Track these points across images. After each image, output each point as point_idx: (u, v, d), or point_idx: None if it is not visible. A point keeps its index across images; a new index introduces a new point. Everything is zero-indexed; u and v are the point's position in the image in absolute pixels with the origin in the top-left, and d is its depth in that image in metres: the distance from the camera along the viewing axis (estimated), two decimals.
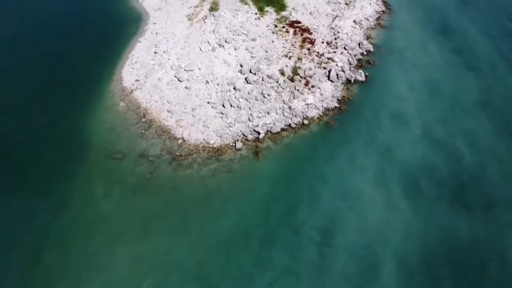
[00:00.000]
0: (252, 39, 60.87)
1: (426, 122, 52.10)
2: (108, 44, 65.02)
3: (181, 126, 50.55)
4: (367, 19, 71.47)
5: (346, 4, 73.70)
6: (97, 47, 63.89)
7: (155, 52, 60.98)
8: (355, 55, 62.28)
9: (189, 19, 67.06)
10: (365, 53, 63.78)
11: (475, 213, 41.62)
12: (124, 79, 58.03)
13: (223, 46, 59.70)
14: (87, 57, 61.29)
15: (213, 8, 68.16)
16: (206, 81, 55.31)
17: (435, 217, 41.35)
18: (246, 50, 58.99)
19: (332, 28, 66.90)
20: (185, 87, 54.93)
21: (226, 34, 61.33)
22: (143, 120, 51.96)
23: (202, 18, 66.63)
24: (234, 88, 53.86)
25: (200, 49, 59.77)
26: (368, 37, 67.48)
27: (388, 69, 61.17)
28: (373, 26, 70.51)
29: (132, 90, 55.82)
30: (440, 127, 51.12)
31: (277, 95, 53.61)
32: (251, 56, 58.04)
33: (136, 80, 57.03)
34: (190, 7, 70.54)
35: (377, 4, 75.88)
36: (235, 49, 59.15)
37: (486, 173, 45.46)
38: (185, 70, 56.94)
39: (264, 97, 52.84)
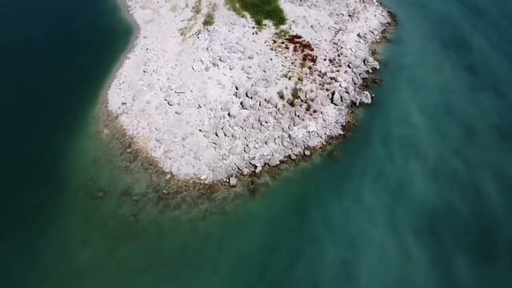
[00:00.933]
0: (249, 57, 54.44)
1: (440, 152, 45.90)
2: (95, 61, 58.65)
3: (169, 158, 44.40)
4: (372, 32, 64.89)
5: (350, 16, 67.09)
6: (84, 64, 57.61)
7: (144, 71, 54.55)
8: (360, 74, 55.82)
9: (181, 34, 60.57)
10: (370, 71, 57.37)
11: (502, 266, 35.37)
12: (110, 102, 51.71)
13: (217, 65, 53.29)
14: (71, 75, 55.10)
15: (208, 21, 61.67)
16: (198, 105, 49.01)
17: (455, 271, 35.31)
18: (242, 70, 52.58)
19: (335, 43, 60.38)
20: (176, 112, 48.66)
21: (221, 51, 54.89)
22: (128, 150, 45.76)
23: (196, 33, 60.19)
24: (229, 114, 47.61)
25: (193, 68, 53.39)
26: (373, 53, 60.96)
27: (396, 89, 54.81)
28: (378, 40, 63.96)
29: (118, 115, 49.57)
30: (457, 158, 44.96)
31: (276, 122, 47.30)
32: (248, 77, 51.67)
33: (123, 103, 50.72)
34: (183, 20, 63.98)
35: (382, 15, 69.28)
36: (230, 69, 52.74)
37: None
38: (175, 93, 50.61)
39: (261, 124, 46.55)
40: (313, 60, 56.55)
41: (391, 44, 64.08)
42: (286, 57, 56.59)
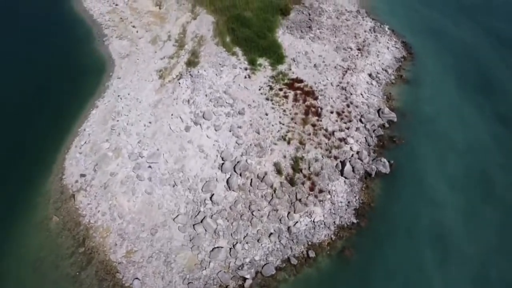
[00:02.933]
0: (239, 113, 41.21)
1: (481, 251, 33.31)
2: (56, 109, 45.91)
3: (133, 263, 31.12)
4: (386, 71, 51.44)
5: (359, 49, 53.43)
6: (41, 114, 45.03)
7: (112, 128, 41.80)
8: (374, 130, 42.70)
9: (160, 77, 47.21)
10: (386, 124, 44.05)
11: None
12: (66, 172, 38.93)
13: (200, 124, 40.24)
14: (23, 131, 42.21)
15: (192, 61, 48.19)
16: (174, 182, 36.02)
17: None
18: (230, 131, 39.63)
19: (343, 87, 47.00)
20: (145, 191, 35.78)
21: (205, 104, 41.67)
22: (81, 250, 33.37)
23: (177, 76, 46.80)
24: (211, 199, 34.73)
25: (170, 127, 40.17)
26: (388, 98, 47.70)
27: (418, 151, 42.05)
28: (393, 81, 50.59)
29: (73, 193, 36.65)
30: (504, 260, 31.68)
31: (271, 209, 34.34)
32: (237, 142, 38.67)
33: (82, 175, 37.88)
34: (164, 57, 50.47)
35: (396, 48, 55.61)
36: (215, 129, 39.64)
37: None
38: (147, 163, 37.66)
39: (252, 214, 33.67)
40: (318, 113, 43.23)
41: (408, 86, 50.74)
42: (284, 110, 43.25)
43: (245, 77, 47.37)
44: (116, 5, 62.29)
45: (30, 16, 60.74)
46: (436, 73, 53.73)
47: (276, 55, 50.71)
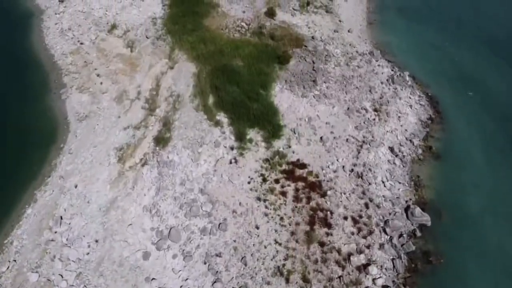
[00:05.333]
0: (220, 227, 27.19)
1: None
2: None
3: None
4: (411, 141, 36.96)
5: (376, 111, 38.85)
6: None
7: (46, 245, 27.57)
8: (403, 245, 28.43)
9: (119, 159, 32.95)
10: (418, 232, 29.61)
11: None
12: None
13: (164, 250, 25.60)
14: None
15: (162, 138, 33.76)
16: None
17: None
18: (205, 263, 24.95)
19: (358, 174, 33.00)
20: None
21: (173, 215, 27.71)
22: None
23: (141, 161, 32.17)
24: None
25: (122, 254, 25.13)
26: (417, 185, 33.50)
27: (464, 277, 26.74)
28: (421, 156, 36.25)
29: None
30: None
31: None
32: (213, 286, 23.34)
33: None
34: (128, 126, 36.35)
35: (421, 105, 41.04)
36: (185, 259, 25.37)
37: None
38: None
39: None
40: (327, 221, 29.06)
41: (441, 164, 36.35)
42: (282, 218, 29.00)
43: (231, 162, 32.58)
44: (82, 43, 47.14)
45: None
46: (472, 140, 39.14)
47: (271, 126, 35.89)
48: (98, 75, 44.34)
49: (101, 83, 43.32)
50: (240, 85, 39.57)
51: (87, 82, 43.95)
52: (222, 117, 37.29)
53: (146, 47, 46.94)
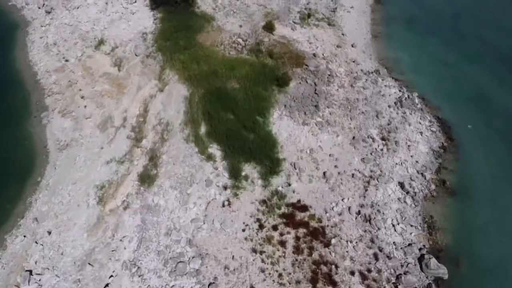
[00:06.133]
0: (209, 287, 21.40)
1: None
2: None
3: None
4: (422, 175, 32.77)
5: (384, 140, 34.38)
6: None
7: None
8: None
9: (100, 200, 29.01)
10: (434, 287, 24.53)
11: None
12: None
13: None
14: None
15: (147, 176, 29.46)
16: None
17: None
18: None
19: (366, 218, 28.81)
20: None
21: (156, 274, 24.13)
22: None
23: (122, 203, 27.91)
24: None
25: None
26: (430, 228, 30.12)
27: None
28: (434, 192, 32.28)
29: None
30: None
31: None
32: None
33: None
34: (111, 159, 32.20)
35: (432, 131, 36.78)
36: None
37: None
38: None
39: None
40: (331, 279, 25.13)
41: (455, 201, 32.21)
42: (280, 275, 25.36)
43: (224, 205, 28.19)
44: (67, 60, 42.76)
45: None
46: (491, 172, 34.96)
47: (269, 160, 31.23)
48: (82, 97, 39.84)
49: (85, 106, 38.82)
50: (236, 111, 34.98)
51: (71, 105, 39.39)
52: (215, 149, 32.66)
53: (134, 65, 42.26)
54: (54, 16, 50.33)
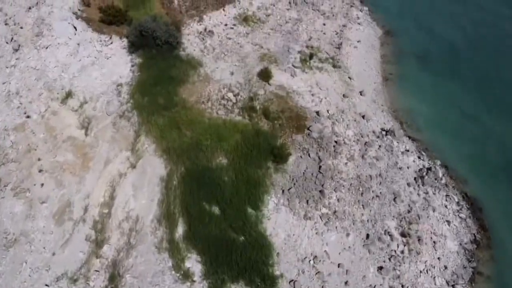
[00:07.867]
0: None
1: None
2: None
3: None
4: (453, 287, 22.62)
5: (404, 237, 25.32)
6: None
7: None
8: None
9: None
10: None
11: None
12: None
13: None
14: None
15: None
16: None
17: None
18: None
19: None
20: None
21: None
22: None
23: None
24: None
25: None
26: None
27: None
28: None
29: None
30: None
31: None
32: None
33: None
34: (62, 274, 25.70)
35: (461, 219, 28.85)
36: None
37: None
38: None
39: None
40: None
41: None
42: None
43: None
44: (28, 117, 34.07)
45: None
46: None
47: (261, 278, 22.18)
48: (40, 171, 31.05)
49: (42, 184, 30.04)
50: (221, 204, 26.23)
51: (27, 180, 30.84)
52: (194, 261, 23.88)
53: (104, 128, 33.33)
54: (20, 56, 41.19)
